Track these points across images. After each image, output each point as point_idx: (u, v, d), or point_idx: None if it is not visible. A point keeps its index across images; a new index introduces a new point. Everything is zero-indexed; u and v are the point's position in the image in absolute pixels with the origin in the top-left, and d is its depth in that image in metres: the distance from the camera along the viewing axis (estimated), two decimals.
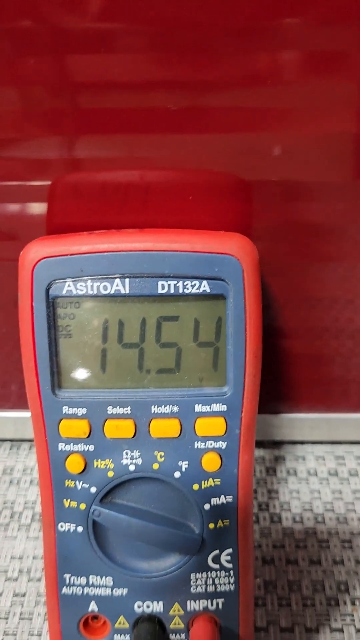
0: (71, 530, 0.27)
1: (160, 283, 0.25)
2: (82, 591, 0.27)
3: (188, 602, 0.27)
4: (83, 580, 0.27)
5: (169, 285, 0.25)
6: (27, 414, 0.39)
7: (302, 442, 0.39)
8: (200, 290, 0.25)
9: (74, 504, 0.26)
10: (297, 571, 0.34)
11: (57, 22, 0.26)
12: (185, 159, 0.28)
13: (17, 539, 0.35)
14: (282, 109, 0.28)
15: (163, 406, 0.26)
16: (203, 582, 0.27)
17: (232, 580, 0.27)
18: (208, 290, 0.25)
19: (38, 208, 0.30)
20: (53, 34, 0.26)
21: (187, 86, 0.27)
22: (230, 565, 0.27)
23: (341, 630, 0.31)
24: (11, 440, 0.40)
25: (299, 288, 0.33)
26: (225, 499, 0.26)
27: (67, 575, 0.27)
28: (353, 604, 0.32)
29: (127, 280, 0.25)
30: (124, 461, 0.26)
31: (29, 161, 0.29)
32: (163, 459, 0.26)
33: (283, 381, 0.37)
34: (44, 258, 0.25)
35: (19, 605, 0.32)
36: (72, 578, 0.27)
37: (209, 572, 0.27)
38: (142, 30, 0.26)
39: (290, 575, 0.33)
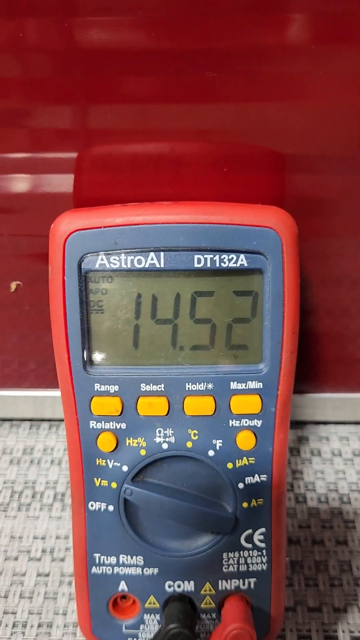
0: (102, 509, 0.26)
1: (196, 257, 0.24)
2: (112, 570, 0.27)
3: (220, 581, 0.27)
4: (113, 559, 0.27)
5: (206, 259, 0.24)
6: (46, 393, 0.39)
7: (325, 423, 0.39)
8: (238, 265, 0.24)
9: (105, 482, 0.26)
10: (323, 551, 0.33)
11: None
12: (211, 129, 0.27)
13: (40, 519, 0.35)
14: (312, 78, 0.27)
15: (197, 383, 0.25)
16: (235, 562, 0.27)
17: (264, 559, 0.27)
18: (245, 265, 0.24)
19: (63, 180, 0.29)
20: None
21: (216, 53, 0.26)
22: (263, 545, 0.27)
23: None
24: (30, 420, 0.39)
25: (322, 266, 0.32)
26: (260, 477, 0.26)
27: (97, 555, 0.27)
28: None
29: (162, 254, 0.24)
30: (157, 439, 0.25)
31: (55, 131, 0.28)
32: (197, 437, 0.25)
33: (306, 361, 0.36)
34: (77, 230, 0.24)
35: (43, 585, 0.32)
36: (102, 557, 0.27)
37: (241, 552, 0.27)
38: None
39: (316, 555, 0.33)
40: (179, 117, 0.27)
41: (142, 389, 0.25)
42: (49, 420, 0.40)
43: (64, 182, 0.28)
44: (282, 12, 0.26)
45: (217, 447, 0.25)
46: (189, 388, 0.25)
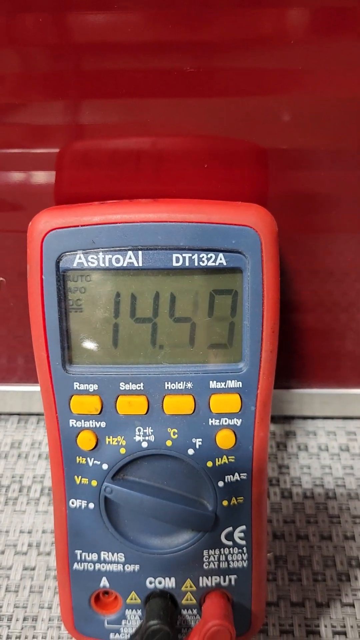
0: (82, 507, 0.26)
1: (174, 256, 0.24)
2: (94, 567, 0.27)
3: (200, 578, 0.27)
4: (94, 556, 0.27)
5: (184, 258, 0.24)
6: (34, 388, 0.39)
7: (312, 418, 0.39)
8: (217, 264, 0.24)
9: (85, 480, 0.26)
10: (307, 546, 0.33)
11: None
12: (194, 124, 0.27)
13: (26, 513, 0.35)
14: (296, 70, 0.26)
15: (177, 382, 0.25)
16: (216, 559, 0.27)
17: (245, 557, 0.27)
18: (224, 264, 0.24)
19: (45, 177, 0.29)
20: None
21: (197, 46, 0.25)
22: (243, 542, 0.27)
23: (352, 605, 0.31)
24: (19, 414, 0.40)
25: (309, 260, 0.32)
26: (240, 476, 0.26)
27: (78, 552, 0.27)
28: None
29: (140, 252, 0.24)
30: (137, 438, 0.25)
31: (34, 127, 0.28)
32: (176, 435, 0.25)
33: (294, 356, 0.36)
34: (54, 229, 0.24)
35: (29, 579, 0.32)
36: (84, 554, 0.27)
37: (222, 549, 0.27)
38: None
39: (300, 550, 0.33)
40: (159, 112, 0.27)
41: (121, 387, 0.25)
42: (37, 414, 0.40)
43: (46, 178, 0.28)
44: (266, 6, 0.25)
45: (197, 446, 0.25)
46: (168, 387, 0.25)
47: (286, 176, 0.29)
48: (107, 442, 0.25)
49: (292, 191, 0.29)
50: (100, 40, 0.26)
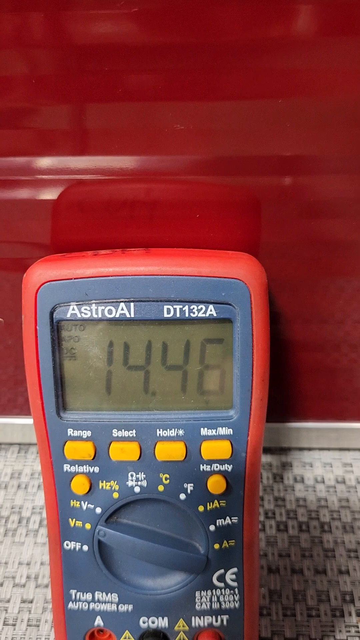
0: (77, 549, 0.27)
1: (166, 307, 0.24)
2: (88, 606, 0.28)
3: (193, 618, 0.28)
4: (89, 596, 0.27)
5: (175, 309, 0.24)
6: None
7: (309, 449, 0.39)
8: (207, 315, 0.25)
9: (79, 523, 0.26)
10: (302, 581, 0.34)
11: None
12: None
13: (25, 545, 0.35)
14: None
15: (168, 429, 0.25)
16: (208, 600, 0.27)
17: (237, 597, 0.27)
18: (215, 315, 0.25)
19: (41, 224, 0.29)
20: None
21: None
22: (235, 584, 0.27)
23: None
24: (19, 444, 0.40)
25: (306, 302, 0.32)
26: (231, 520, 0.26)
27: (73, 591, 0.27)
28: (358, 615, 0.32)
29: (132, 304, 0.24)
30: (129, 483, 0.26)
31: (31, 180, 0.29)
32: (168, 481, 0.26)
33: (290, 391, 0.36)
34: (48, 282, 0.24)
35: (27, 612, 0.33)
36: (78, 594, 0.27)
37: (213, 590, 0.27)
38: None
39: (295, 584, 0.34)
40: (150, 164, 0.27)
41: (114, 434, 0.25)
42: None
43: (42, 226, 0.29)
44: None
45: (188, 491, 0.26)
46: (160, 434, 0.25)
47: (285, 224, 0.30)
48: (100, 487, 0.26)
49: (294, 237, 0.30)
50: (97, 95, 0.26)
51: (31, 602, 0.33)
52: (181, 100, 0.26)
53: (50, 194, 0.28)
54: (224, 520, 0.26)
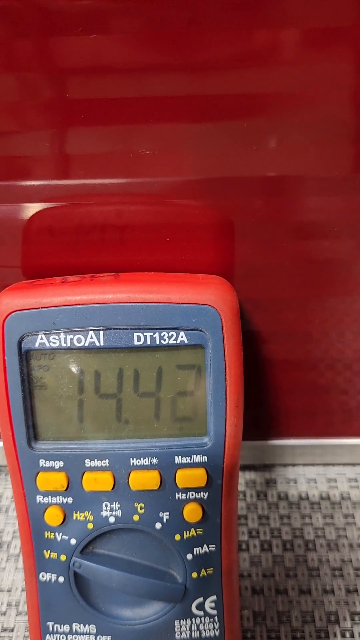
0: (52, 580, 0.26)
1: (136, 335, 0.24)
2: (66, 638, 0.27)
3: None
4: (66, 627, 0.27)
5: (146, 336, 0.24)
6: None
7: (293, 465, 0.39)
8: (178, 341, 0.24)
9: (54, 555, 0.26)
10: (286, 601, 0.33)
11: None
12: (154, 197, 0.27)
13: (6, 571, 0.35)
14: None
15: (142, 458, 0.25)
16: (187, 629, 0.27)
17: (217, 625, 0.27)
18: (186, 341, 0.24)
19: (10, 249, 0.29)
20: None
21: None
22: (214, 612, 0.27)
23: None
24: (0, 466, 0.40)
25: (286, 320, 0.32)
26: (209, 548, 0.26)
27: (50, 623, 0.27)
28: (343, 636, 0.32)
29: (101, 332, 0.24)
30: (104, 513, 0.25)
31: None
32: (143, 510, 0.25)
33: (272, 410, 0.36)
34: (15, 311, 0.24)
35: None
36: (56, 626, 0.27)
37: (193, 619, 0.27)
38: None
39: (279, 605, 0.33)
40: (120, 187, 0.27)
41: (86, 464, 0.25)
42: None
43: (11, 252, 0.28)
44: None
45: (164, 520, 0.25)
46: (133, 463, 0.25)
47: (269, 244, 0.29)
48: (74, 518, 0.25)
49: (262, 259, 0.29)
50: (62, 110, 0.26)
51: (12, 630, 0.33)
52: (148, 123, 0.25)
53: (20, 219, 0.28)
54: (202, 548, 0.26)
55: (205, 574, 0.26)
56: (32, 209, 0.27)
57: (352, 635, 0.32)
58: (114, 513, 0.25)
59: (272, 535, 0.36)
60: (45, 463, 0.25)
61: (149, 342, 0.24)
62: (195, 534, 0.26)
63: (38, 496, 0.25)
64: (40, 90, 0.25)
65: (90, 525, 0.25)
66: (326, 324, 0.31)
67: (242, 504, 0.38)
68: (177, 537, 0.26)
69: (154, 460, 0.25)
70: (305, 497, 0.38)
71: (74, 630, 0.27)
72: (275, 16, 0.24)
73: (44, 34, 0.24)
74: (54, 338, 0.24)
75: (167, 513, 0.25)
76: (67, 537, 0.26)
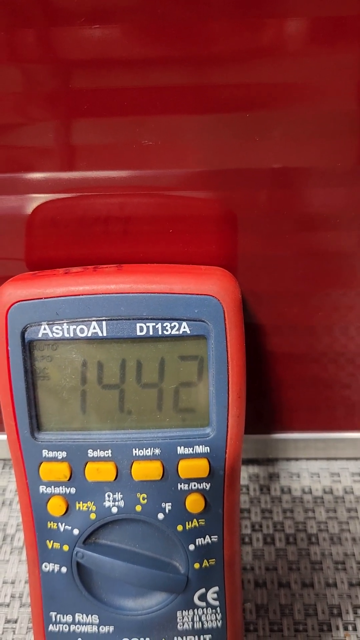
0: (55, 571, 0.26)
1: (138, 325, 0.24)
2: (69, 629, 0.27)
3: (175, 638, 0.27)
4: (69, 618, 0.27)
5: (148, 327, 0.24)
6: None
7: (296, 459, 0.39)
8: (180, 332, 0.24)
9: (57, 545, 0.26)
10: (289, 594, 0.33)
11: None
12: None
13: (10, 563, 0.35)
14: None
15: (144, 449, 0.25)
16: (190, 619, 0.27)
17: (219, 617, 0.27)
18: (188, 332, 0.24)
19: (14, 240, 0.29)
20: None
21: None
22: (217, 603, 0.27)
23: None
24: (3, 460, 0.40)
25: (290, 313, 0.32)
26: (211, 539, 0.26)
27: (53, 614, 0.27)
28: (346, 629, 0.32)
29: (104, 322, 0.24)
30: (106, 503, 0.25)
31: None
32: (146, 501, 0.25)
33: (278, 403, 0.36)
34: (18, 301, 0.24)
35: (11, 632, 0.32)
36: (58, 616, 0.27)
37: (195, 610, 0.27)
38: None
39: (282, 599, 0.33)
40: (124, 179, 0.27)
41: (89, 455, 0.25)
42: None
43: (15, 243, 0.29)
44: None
45: (167, 511, 0.25)
46: (136, 453, 0.25)
47: (274, 236, 0.29)
48: (77, 508, 0.26)
49: (266, 251, 0.29)
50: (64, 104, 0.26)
51: (15, 622, 0.33)
52: (152, 115, 0.25)
53: (23, 211, 0.28)
54: (204, 539, 0.26)
55: (208, 564, 0.26)
56: (35, 200, 0.27)
57: (355, 629, 0.32)
58: (116, 503, 0.25)
59: (275, 528, 0.36)
60: (48, 453, 0.25)
61: (151, 333, 0.24)
62: (197, 525, 0.26)
63: (41, 486, 0.25)
64: (43, 81, 0.25)
65: (92, 516, 0.26)
66: (330, 317, 0.31)
67: (245, 498, 0.38)
68: (180, 527, 0.26)
69: (157, 451, 0.25)
70: (309, 491, 0.38)
71: (76, 620, 0.27)
72: (279, 7, 0.25)
73: (46, 24, 0.24)
74: (57, 328, 0.24)
75: (170, 504, 0.25)
76: (69, 528, 0.26)
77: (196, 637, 0.27)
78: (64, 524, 0.26)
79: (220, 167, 0.27)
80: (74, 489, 0.25)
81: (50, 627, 0.27)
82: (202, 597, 0.27)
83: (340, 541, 0.35)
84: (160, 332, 0.24)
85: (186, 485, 0.25)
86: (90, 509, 0.25)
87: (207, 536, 0.26)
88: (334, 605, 0.33)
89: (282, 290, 0.31)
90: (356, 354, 0.34)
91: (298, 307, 0.32)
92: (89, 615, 0.27)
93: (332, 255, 0.30)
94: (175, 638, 0.27)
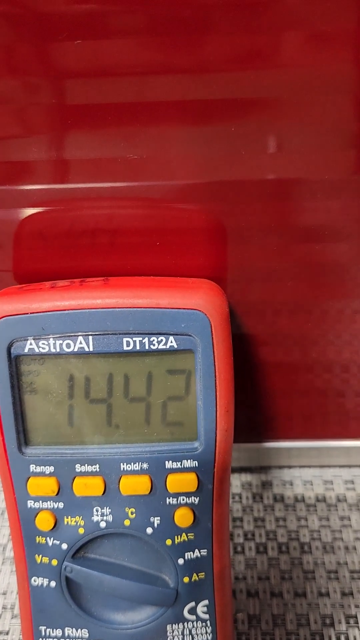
0: (44, 585, 0.26)
1: (125, 340, 0.24)
2: None
3: None
4: (59, 632, 0.27)
5: (135, 342, 0.24)
6: None
7: (289, 467, 0.39)
8: (167, 346, 0.24)
9: (45, 559, 0.26)
10: (281, 604, 0.33)
11: None
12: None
13: (2, 573, 0.35)
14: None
15: (132, 463, 0.25)
16: (180, 633, 0.27)
17: (209, 630, 0.27)
18: (175, 346, 0.24)
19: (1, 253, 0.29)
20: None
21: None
22: (207, 616, 0.27)
23: None
24: None
25: (280, 324, 0.32)
26: (200, 552, 0.26)
27: (42, 628, 0.27)
28: (338, 639, 0.32)
29: (90, 337, 0.24)
30: (95, 518, 0.25)
31: None
32: (134, 515, 0.25)
33: (270, 412, 0.36)
34: (4, 317, 0.24)
35: None
36: (48, 630, 0.27)
37: (185, 623, 0.27)
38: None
39: (274, 608, 0.33)
40: (111, 192, 0.27)
41: (77, 469, 0.25)
42: None
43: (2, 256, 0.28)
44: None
45: (155, 525, 0.25)
46: (124, 468, 0.25)
47: (269, 249, 0.29)
48: (65, 523, 0.25)
49: (256, 263, 0.29)
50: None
51: (7, 633, 0.33)
52: (142, 127, 0.25)
53: (11, 224, 0.27)
54: (193, 553, 0.26)
55: (197, 578, 0.26)
56: (23, 213, 0.27)
57: (347, 639, 0.32)
58: (104, 518, 0.25)
59: (267, 537, 0.36)
60: (35, 468, 0.25)
61: (138, 347, 0.24)
62: (186, 539, 0.26)
63: (29, 501, 0.25)
64: (30, 95, 0.25)
65: (81, 530, 0.25)
66: (322, 326, 0.31)
67: (238, 506, 0.38)
68: (169, 541, 0.26)
69: (145, 465, 0.25)
70: (301, 499, 0.38)
71: (66, 634, 0.27)
72: (271, 20, 0.24)
73: (32, 37, 0.24)
74: (44, 343, 0.24)
75: (158, 518, 0.25)
76: (58, 542, 0.26)
77: None
78: (52, 539, 0.26)
79: (209, 179, 0.27)
80: (62, 504, 0.25)
81: None
82: (192, 611, 0.27)
83: (333, 550, 0.35)
84: (147, 347, 0.24)
85: (175, 499, 0.25)
86: (78, 523, 0.25)
87: (196, 550, 0.26)
88: (327, 615, 0.33)
89: (273, 299, 0.31)
90: (349, 361, 0.34)
91: (290, 317, 0.32)
92: (79, 630, 0.27)
93: (322, 265, 0.30)
94: None
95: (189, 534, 0.26)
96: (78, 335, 0.24)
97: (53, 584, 0.26)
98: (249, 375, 0.34)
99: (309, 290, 0.30)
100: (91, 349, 0.24)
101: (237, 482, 0.39)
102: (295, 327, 0.31)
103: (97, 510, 0.25)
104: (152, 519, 0.25)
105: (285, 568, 0.35)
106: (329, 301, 0.31)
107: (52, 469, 0.25)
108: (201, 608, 0.27)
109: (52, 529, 0.25)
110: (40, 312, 0.24)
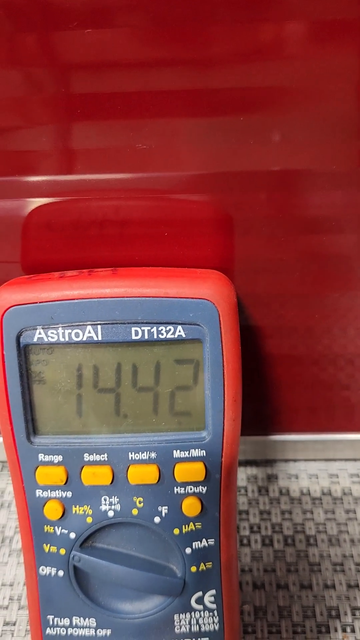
0: (52, 574, 0.26)
1: (134, 329, 0.24)
2: (66, 632, 0.27)
3: None
4: (66, 621, 0.27)
5: (143, 331, 0.24)
6: None
7: (295, 460, 0.39)
8: (176, 336, 0.24)
9: (53, 549, 0.26)
10: (287, 596, 0.33)
11: None
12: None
13: (8, 565, 0.35)
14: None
15: (140, 452, 0.25)
16: (187, 622, 0.27)
17: (216, 620, 0.27)
18: (183, 335, 0.24)
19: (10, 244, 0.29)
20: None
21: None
22: (214, 606, 0.27)
23: None
24: (1, 462, 0.40)
25: (287, 316, 0.32)
26: (207, 542, 0.26)
27: (50, 617, 0.27)
28: (344, 631, 0.32)
29: (99, 327, 0.24)
30: (103, 507, 0.26)
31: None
32: (142, 504, 0.25)
33: (276, 405, 0.36)
34: (13, 306, 0.24)
35: (9, 635, 0.32)
36: (56, 619, 0.27)
37: (192, 613, 0.27)
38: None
39: (280, 600, 0.33)
40: (119, 183, 0.27)
41: (85, 458, 0.25)
42: None
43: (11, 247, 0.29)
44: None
45: (163, 514, 0.25)
46: (132, 457, 0.25)
47: (275, 239, 0.29)
48: (73, 512, 0.26)
49: (263, 253, 0.29)
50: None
51: (14, 624, 0.33)
52: (149, 118, 0.25)
53: (19, 214, 0.28)
54: (200, 542, 0.26)
55: (204, 568, 0.26)
56: (31, 204, 0.27)
57: (353, 630, 0.32)
58: (113, 507, 0.25)
59: (273, 530, 0.36)
60: (44, 457, 0.25)
61: (146, 337, 0.24)
62: (194, 528, 0.26)
63: (37, 490, 0.25)
64: (38, 85, 0.25)
65: (89, 519, 0.26)
66: (329, 319, 0.31)
67: (244, 499, 0.38)
68: (176, 531, 0.26)
69: (153, 455, 0.25)
70: (307, 492, 0.38)
71: (74, 623, 0.27)
72: (276, 11, 0.24)
73: (40, 27, 0.24)
74: (52, 332, 0.24)
75: (166, 507, 0.25)
76: (66, 531, 0.26)
77: None
78: (60, 528, 0.26)
79: (216, 169, 0.27)
80: (70, 493, 0.25)
81: (48, 631, 0.27)
82: (199, 600, 0.27)
83: (339, 542, 0.35)
84: (155, 336, 0.24)
85: (182, 488, 0.25)
86: (86, 512, 0.25)
87: (204, 539, 0.26)
88: (333, 607, 0.33)
89: (281, 292, 0.31)
90: (355, 355, 0.34)
91: (297, 309, 0.32)
92: (86, 619, 0.27)
93: (329, 257, 0.30)
94: None
95: (196, 524, 0.26)
96: (87, 325, 0.24)
97: (61, 573, 0.26)
98: (255, 368, 0.34)
99: (316, 282, 0.30)
100: (100, 339, 0.24)
101: (242, 475, 0.39)
102: (302, 319, 0.31)
103: (105, 500, 0.25)
104: (160, 508, 0.25)
105: (291, 560, 0.35)
106: (335, 293, 0.31)
107: (60, 458, 0.25)
108: (208, 598, 0.27)
109: (60, 518, 0.26)
110: (49, 301, 0.24)
